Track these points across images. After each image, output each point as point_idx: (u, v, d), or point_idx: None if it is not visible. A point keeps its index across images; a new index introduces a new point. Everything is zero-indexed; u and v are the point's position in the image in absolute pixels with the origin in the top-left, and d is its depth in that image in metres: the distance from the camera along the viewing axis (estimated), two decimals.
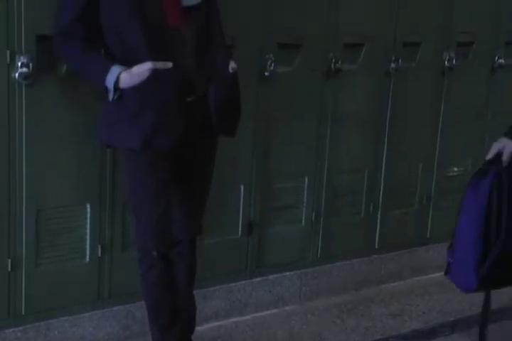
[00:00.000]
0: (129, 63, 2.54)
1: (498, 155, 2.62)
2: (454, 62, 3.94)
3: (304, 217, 3.68)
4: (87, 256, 3.00)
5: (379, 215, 3.95)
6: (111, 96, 2.56)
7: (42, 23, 2.65)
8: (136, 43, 2.55)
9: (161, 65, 2.53)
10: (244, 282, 3.53)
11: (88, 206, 2.96)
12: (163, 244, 2.78)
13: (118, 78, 2.52)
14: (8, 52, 2.64)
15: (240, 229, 3.45)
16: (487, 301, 2.74)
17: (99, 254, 3.02)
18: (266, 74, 3.31)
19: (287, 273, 3.67)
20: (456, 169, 4.20)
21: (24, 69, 2.65)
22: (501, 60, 4.10)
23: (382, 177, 3.91)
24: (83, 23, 2.56)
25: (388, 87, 3.80)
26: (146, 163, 2.66)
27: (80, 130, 2.85)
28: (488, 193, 2.57)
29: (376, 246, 3.99)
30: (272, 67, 3.31)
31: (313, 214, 3.69)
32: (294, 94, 3.47)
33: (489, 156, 2.64)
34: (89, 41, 2.59)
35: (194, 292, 2.98)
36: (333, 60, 3.53)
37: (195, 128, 2.66)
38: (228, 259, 3.44)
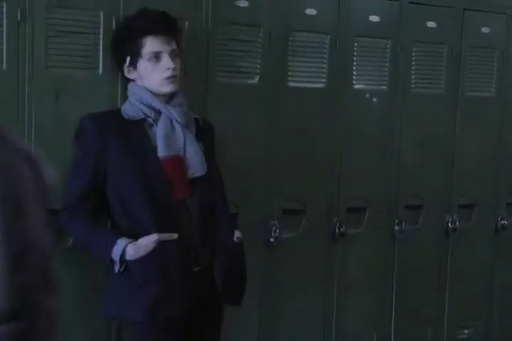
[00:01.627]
0: (135, 234, 2.57)
1: None
2: (457, 223, 3.98)
3: None
4: None
5: None
6: (117, 268, 2.57)
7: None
8: (142, 215, 2.60)
9: (166, 236, 2.56)
10: None
11: None
12: None
13: (124, 250, 2.54)
14: None
15: None
16: None
17: None
18: (271, 240, 3.33)
19: None
20: (466, 331, 4.13)
21: None
22: (504, 221, 4.14)
23: None
24: (89, 197, 2.61)
25: (393, 249, 3.80)
26: (152, 336, 2.62)
27: (85, 302, 2.82)
28: None
29: None
30: (276, 233, 3.34)
31: None
32: (299, 259, 3.47)
33: None
34: (96, 214, 2.63)
35: None
36: (338, 225, 3.56)
37: (202, 298, 2.65)
38: None
